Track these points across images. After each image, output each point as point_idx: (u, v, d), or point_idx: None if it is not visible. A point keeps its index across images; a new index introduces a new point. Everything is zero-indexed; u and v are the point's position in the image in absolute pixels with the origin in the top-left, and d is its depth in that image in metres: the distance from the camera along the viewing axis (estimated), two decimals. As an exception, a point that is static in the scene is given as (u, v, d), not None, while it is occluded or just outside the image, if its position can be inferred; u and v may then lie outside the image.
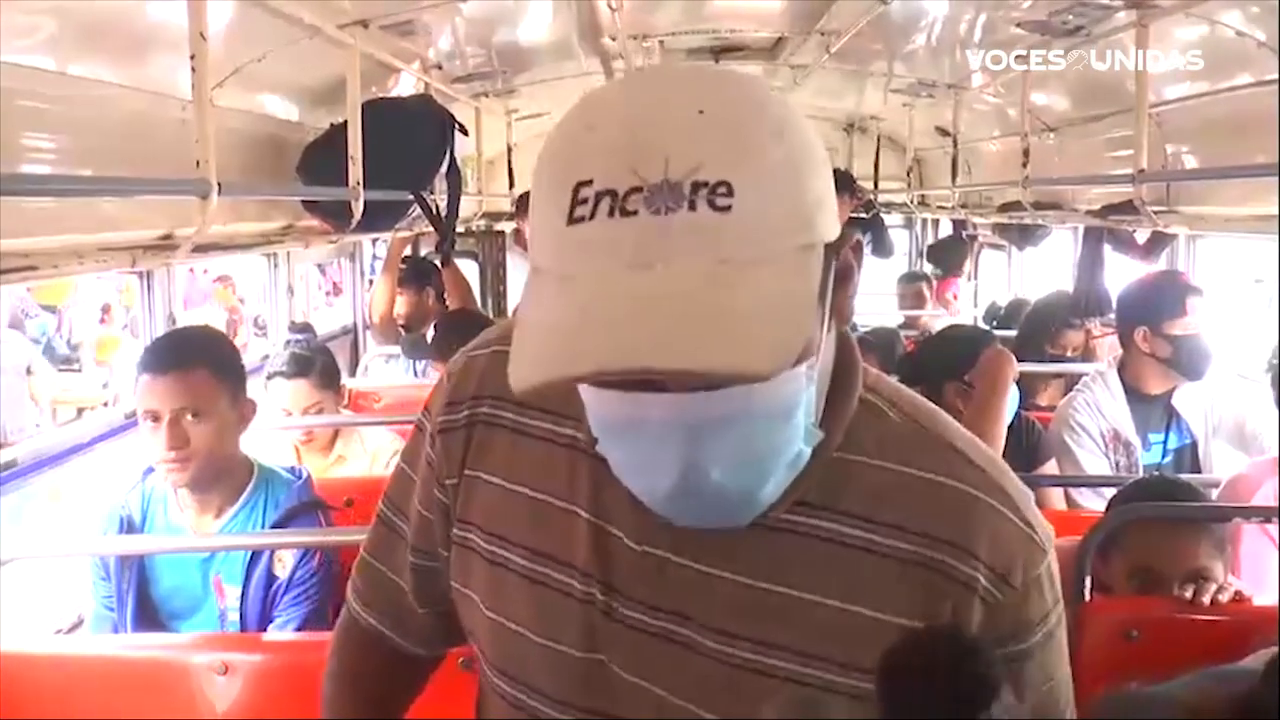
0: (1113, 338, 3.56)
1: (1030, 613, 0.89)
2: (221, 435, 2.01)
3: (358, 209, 3.03)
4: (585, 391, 0.80)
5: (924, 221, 7.49)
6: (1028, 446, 2.83)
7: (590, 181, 0.73)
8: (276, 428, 3.02)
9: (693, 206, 0.71)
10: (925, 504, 0.87)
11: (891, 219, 7.11)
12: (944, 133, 5.50)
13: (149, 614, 2.02)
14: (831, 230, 0.78)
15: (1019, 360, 3.20)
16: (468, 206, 5.03)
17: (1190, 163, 3.11)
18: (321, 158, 3.15)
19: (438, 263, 4.85)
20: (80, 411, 7.44)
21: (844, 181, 6.44)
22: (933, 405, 0.96)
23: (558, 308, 0.74)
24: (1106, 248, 4.07)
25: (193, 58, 2.02)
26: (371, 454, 3.03)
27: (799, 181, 0.75)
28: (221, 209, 2.11)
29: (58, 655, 1.88)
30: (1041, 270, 5.40)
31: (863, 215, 6.60)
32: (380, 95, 3.59)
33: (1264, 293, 5.65)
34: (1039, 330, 3.91)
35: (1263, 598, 1.90)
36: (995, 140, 5.05)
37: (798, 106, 0.83)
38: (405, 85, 3.86)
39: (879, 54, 4.60)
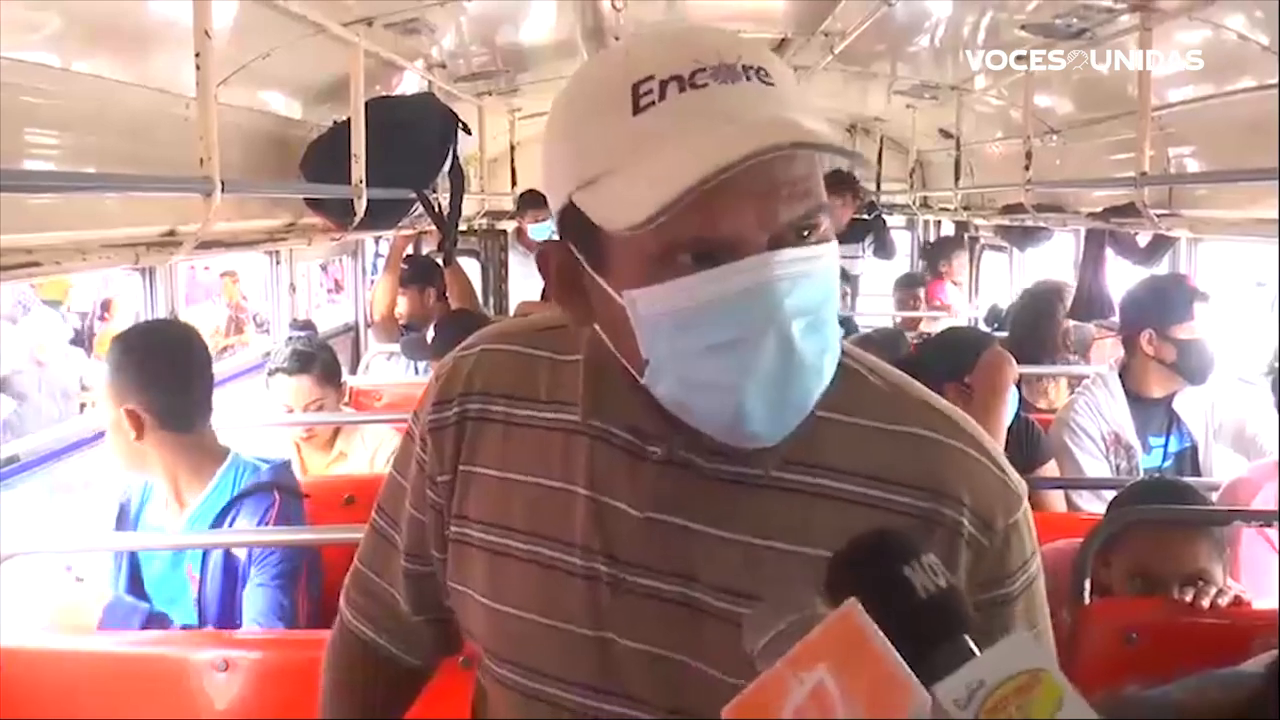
0: (1113, 340, 3.57)
1: (1012, 559, 0.91)
2: (109, 434, 2.02)
3: (360, 207, 3.03)
4: (695, 286, 0.80)
5: (926, 223, 7.49)
6: (1028, 448, 2.83)
7: (650, 77, 0.80)
8: (277, 424, 3.02)
9: (749, 79, 0.81)
10: (908, 456, 0.91)
11: (894, 220, 7.11)
12: (947, 134, 5.51)
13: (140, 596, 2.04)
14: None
15: (1015, 349, 3.20)
16: (470, 205, 5.03)
17: (1192, 166, 3.11)
18: (325, 155, 3.15)
19: (439, 261, 4.85)
20: (83, 406, 7.44)
21: (846, 182, 6.44)
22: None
23: (664, 135, 0.78)
24: (1108, 250, 4.07)
25: (197, 55, 2.03)
26: (372, 451, 3.04)
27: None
28: (225, 206, 2.11)
29: (58, 651, 1.88)
30: (1043, 272, 5.39)
31: (865, 216, 6.61)
32: (384, 93, 3.59)
33: (1265, 296, 5.65)
34: (1034, 315, 3.93)
35: (1262, 601, 1.90)
36: (998, 142, 5.05)
37: None
38: (409, 84, 3.87)
39: (882, 55, 4.60)
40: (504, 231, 6.80)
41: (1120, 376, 2.90)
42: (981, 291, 6.34)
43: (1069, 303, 3.94)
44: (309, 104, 3.25)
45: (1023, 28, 3.23)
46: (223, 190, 2.06)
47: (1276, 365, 2.87)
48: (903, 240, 7.43)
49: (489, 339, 1.03)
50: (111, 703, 1.75)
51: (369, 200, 3.05)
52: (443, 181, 3.63)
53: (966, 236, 6.67)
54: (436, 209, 3.62)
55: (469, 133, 3.77)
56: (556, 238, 0.90)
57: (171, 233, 2.34)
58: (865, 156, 1.09)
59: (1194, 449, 2.91)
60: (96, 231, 2.12)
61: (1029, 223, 4.58)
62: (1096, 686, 1.47)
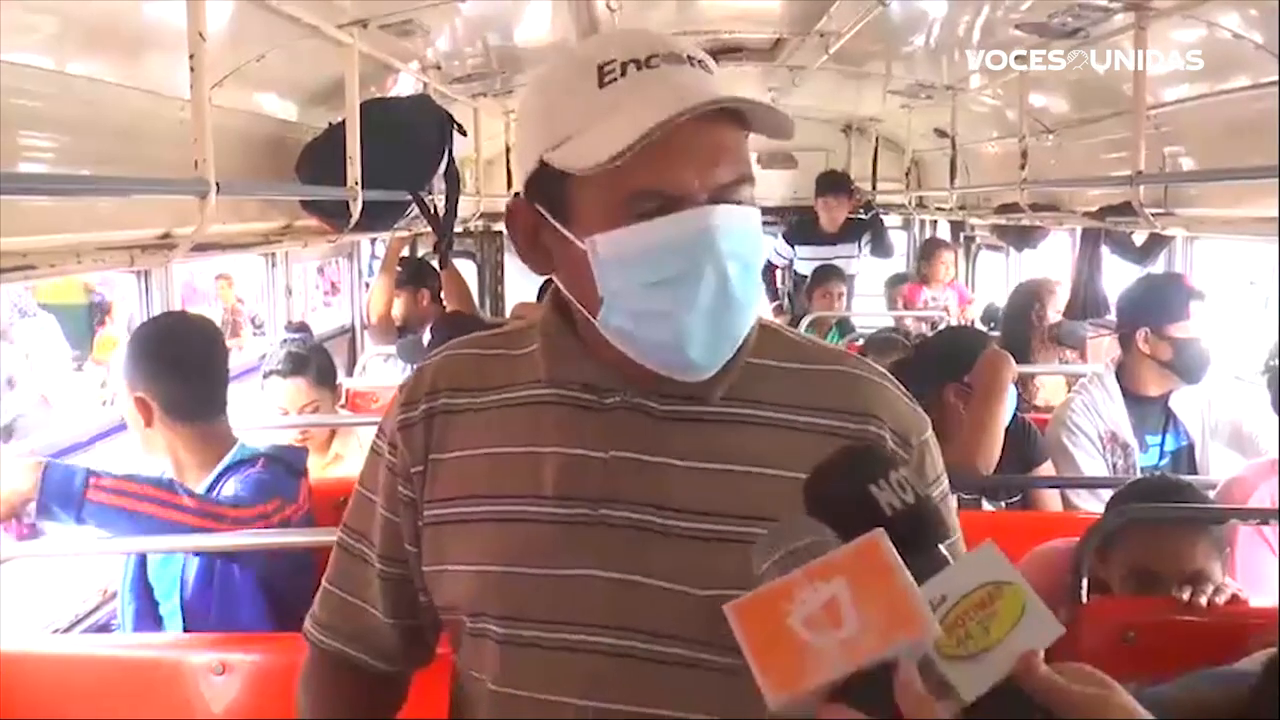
0: (1109, 339, 3.57)
1: (928, 471, 1.06)
2: (128, 421, 2.05)
3: (356, 209, 3.03)
4: (648, 231, 0.95)
5: (922, 223, 7.49)
6: (1025, 448, 2.83)
7: (613, 60, 0.96)
8: (272, 427, 3.01)
9: (692, 66, 0.98)
10: (831, 388, 1.06)
11: (890, 220, 7.10)
12: (942, 134, 5.51)
13: (146, 593, 2.04)
14: None
15: (1007, 342, 3.21)
16: (466, 207, 5.03)
17: (1188, 165, 3.11)
18: (320, 157, 3.15)
19: (435, 263, 4.85)
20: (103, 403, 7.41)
21: (841, 182, 6.45)
22: None
23: (623, 101, 0.94)
24: (1104, 249, 4.08)
25: (191, 57, 2.03)
26: (358, 446, 3.03)
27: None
28: (220, 208, 2.11)
29: (55, 655, 1.88)
30: (1039, 272, 5.40)
31: (861, 216, 6.61)
32: (379, 95, 3.59)
33: (1258, 295, 5.65)
34: (1010, 315, 3.94)
35: (1259, 599, 1.90)
36: (993, 142, 5.05)
37: (796, 108, 1.03)
38: (404, 85, 3.86)
39: (877, 55, 4.61)
40: (500, 233, 6.79)
41: (1117, 375, 2.90)
42: (978, 291, 6.34)
43: (1049, 301, 3.95)
44: (304, 106, 3.25)
45: (1017, 27, 3.23)
46: (218, 192, 2.06)
47: (1274, 364, 2.87)
48: (899, 240, 7.43)
49: (448, 348, 1.15)
50: (108, 706, 1.74)
51: (365, 202, 3.05)
52: (438, 183, 3.63)
53: (963, 236, 6.67)
54: (432, 211, 3.62)
55: (464, 134, 3.77)
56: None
57: (167, 235, 2.34)
58: (783, 114, 1.18)
59: (1190, 447, 2.91)
60: (92, 234, 2.12)
61: (1025, 222, 4.58)
62: (1094, 685, 1.47)
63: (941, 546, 0.78)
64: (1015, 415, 2.76)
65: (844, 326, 5.44)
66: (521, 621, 1.01)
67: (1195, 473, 2.84)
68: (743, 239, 0.96)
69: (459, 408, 1.08)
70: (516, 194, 1.05)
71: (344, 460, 3.04)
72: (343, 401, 3.69)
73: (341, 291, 5.22)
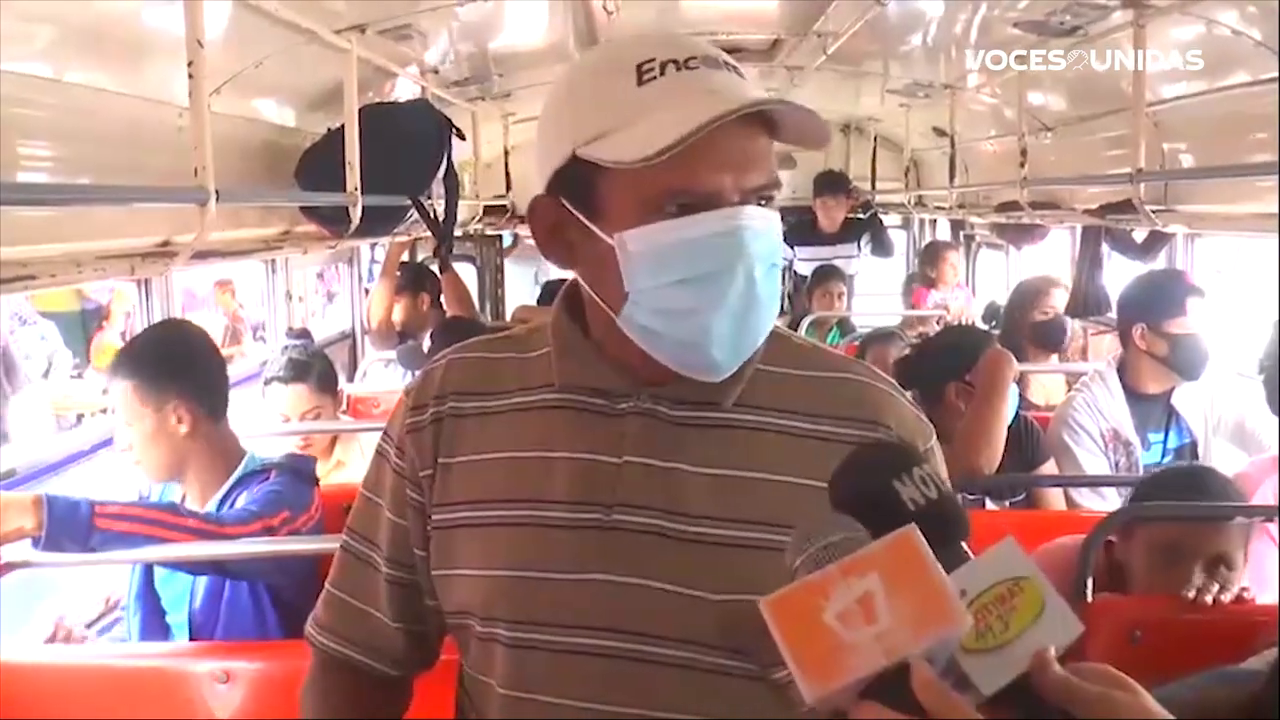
0: (1110, 337, 3.56)
1: None
2: (147, 441, 2.02)
3: (355, 214, 3.03)
4: (680, 228, 0.95)
5: (921, 222, 7.49)
6: (1027, 447, 2.83)
7: (652, 59, 0.97)
8: (274, 434, 3.01)
9: (728, 70, 0.99)
10: (839, 396, 1.06)
11: (890, 219, 7.10)
12: (941, 133, 5.50)
13: (153, 603, 2.05)
14: None
15: (1006, 339, 3.21)
16: (465, 211, 5.03)
17: (1188, 162, 3.11)
18: (319, 163, 3.14)
19: (434, 268, 4.85)
20: (80, 418, 7.40)
21: (840, 182, 6.45)
22: None
23: (665, 99, 0.94)
24: (1105, 247, 4.08)
25: (190, 64, 2.02)
26: (359, 452, 3.02)
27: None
28: (220, 215, 2.11)
29: (59, 665, 1.88)
30: (1039, 270, 5.39)
31: (860, 215, 6.60)
32: (377, 100, 3.59)
33: (1227, 283, 5.59)
34: (1025, 302, 3.95)
35: (1266, 597, 1.90)
36: (992, 140, 5.05)
37: None
38: (402, 90, 3.86)
39: (875, 55, 4.60)
40: (500, 237, 6.79)
41: (1119, 373, 2.90)
42: (979, 290, 6.33)
43: (1045, 300, 3.95)
44: (303, 112, 3.25)
45: (1015, 25, 3.23)
46: (217, 200, 2.06)
47: (1270, 364, 2.86)
48: (899, 240, 7.42)
49: (454, 351, 1.15)
50: (113, 715, 1.74)
51: (364, 207, 3.04)
52: (437, 187, 3.62)
53: (963, 234, 6.67)
54: (432, 215, 3.61)
55: (463, 138, 3.77)
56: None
57: (166, 243, 2.33)
58: (821, 121, 1.20)
59: (1193, 445, 2.90)
60: (91, 243, 2.12)
61: (1025, 220, 4.58)
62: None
63: (964, 544, 0.79)
64: (1017, 414, 2.75)
65: (844, 326, 5.44)
66: (532, 625, 1.01)
67: (1198, 470, 2.84)
68: (768, 241, 0.98)
69: (468, 411, 1.08)
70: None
71: (346, 466, 3.04)
72: (344, 407, 3.69)
73: (341, 297, 5.21)
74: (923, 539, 0.72)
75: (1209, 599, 1.81)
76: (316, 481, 2.16)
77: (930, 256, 6.05)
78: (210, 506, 2.03)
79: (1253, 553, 2.10)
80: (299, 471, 2.12)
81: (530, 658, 1.01)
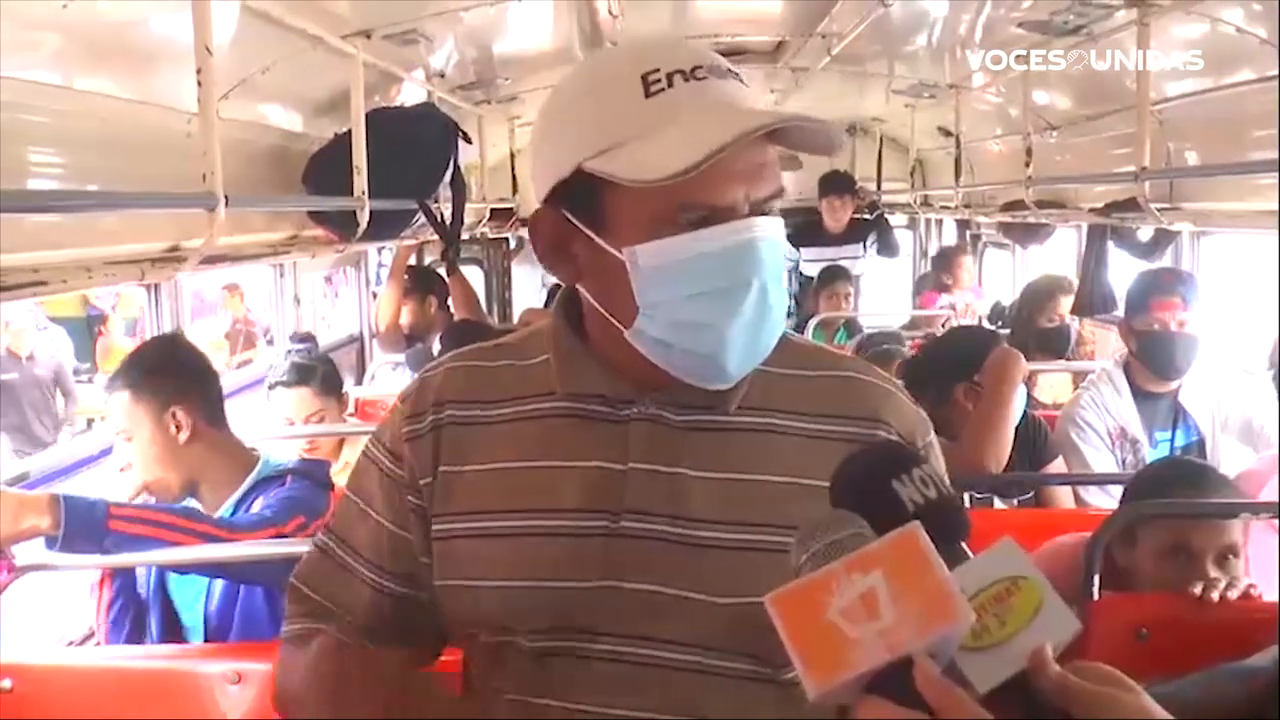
0: (1116, 335, 3.56)
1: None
2: (149, 452, 2.01)
3: (363, 218, 3.04)
4: (694, 242, 0.95)
5: (928, 222, 7.48)
6: (1035, 446, 2.83)
7: (657, 69, 0.95)
8: (283, 437, 3.02)
9: (733, 79, 0.98)
10: (838, 395, 1.06)
11: (896, 219, 7.09)
12: (946, 133, 5.51)
13: (167, 604, 2.06)
14: None
15: (1014, 340, 3.20)
16: (471, 214, 5.04)
17: (1193, 160, 3.11)
18: (326, 167, 3.16)
19: (441, 271, 4.86)
20: (90, 423, 7.44)
21: (846, 183, 6.44)
22: None
23: (677, 113, 0.94)
24: (1110, 245, 4.07)
25: (198, 70, 2.03)
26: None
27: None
28: (228, 220, 2.12)
29: (71, 667, 1.89)
30: (1046, 269, 5.39)
31: (866, 216, 6.60)
32: (384, 104, 3.60)
33: (1234, 281, 5.57)
34: (1033, 305, 3.95)
35: (1272, 594, 1.89)
36: (998, 140, 5.05)
37: (800, 109, 1.03)
38: (409, 94, 3.87)
39: (880, 56, 4.61)
40: (506, 239, 6.80)
41: (1125, 371, 2.90)
42: (985, 290, 6.32)
43: (1046, 305, 3.95)
44: (310, 116, 3.26)
45: (1019, 25, 3.23)
46: (226, 205, 2.07)
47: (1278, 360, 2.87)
48: (905, 240, 7.42)
49: (449, 359, 1.13)
50: (123, 717, 1.75)
51: (371, 211, 3.05)
52: (444, 191, 3.64)
53: (969, 235, 6.66)
54: (439, 219, 3.63)
55: (469, 141, 3.78)
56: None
57: (175, 248, 2.34)
58: (836, 131, 1.18)
59: (1201, 442, 2.90)
60: (101, 249, 2.13)
61: (1030, 219, 4.58)
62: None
63: (963, 544, 0.79)
64: (1025, 413, 2.75)
65: (851, 327, 5.44)
66: (542, 634, 1.00)
67: (1206, 468, 2.84)
68: (777, 250, 0.98)
69: (468, 420, 1.07)
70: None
71: (353, 468, 3.04)
72: (351, 410, 3.70)
73: (349, 301, 5.22)
74: (926, 537, 0.73)
75: (1216, 595, 1.81)
76: (333, 486, 2.17)
77: (945, 263, 6.02)
78: (225, 510, 2.03)
79: (1258, 550, 2.10)
80: (315, 476, 2.12)
81: (540, 665, 1.01)
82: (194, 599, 2.03)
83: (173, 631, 2.04)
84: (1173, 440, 2.89)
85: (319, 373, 3.01)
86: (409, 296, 4.69)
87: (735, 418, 1.03)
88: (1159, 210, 2.96)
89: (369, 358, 4.84)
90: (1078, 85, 3.69)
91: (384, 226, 3.34)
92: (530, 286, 7.22)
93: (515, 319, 6.05)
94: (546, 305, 4.58)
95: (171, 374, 2.04)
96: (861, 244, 6.44)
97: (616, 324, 1.00)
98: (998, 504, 2.80)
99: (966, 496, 2.61)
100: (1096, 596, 1.87)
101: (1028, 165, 3.89)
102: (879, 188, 6.95)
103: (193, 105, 2.09)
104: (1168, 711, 0.74)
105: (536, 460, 1.03)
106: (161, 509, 1.93)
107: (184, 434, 2.01)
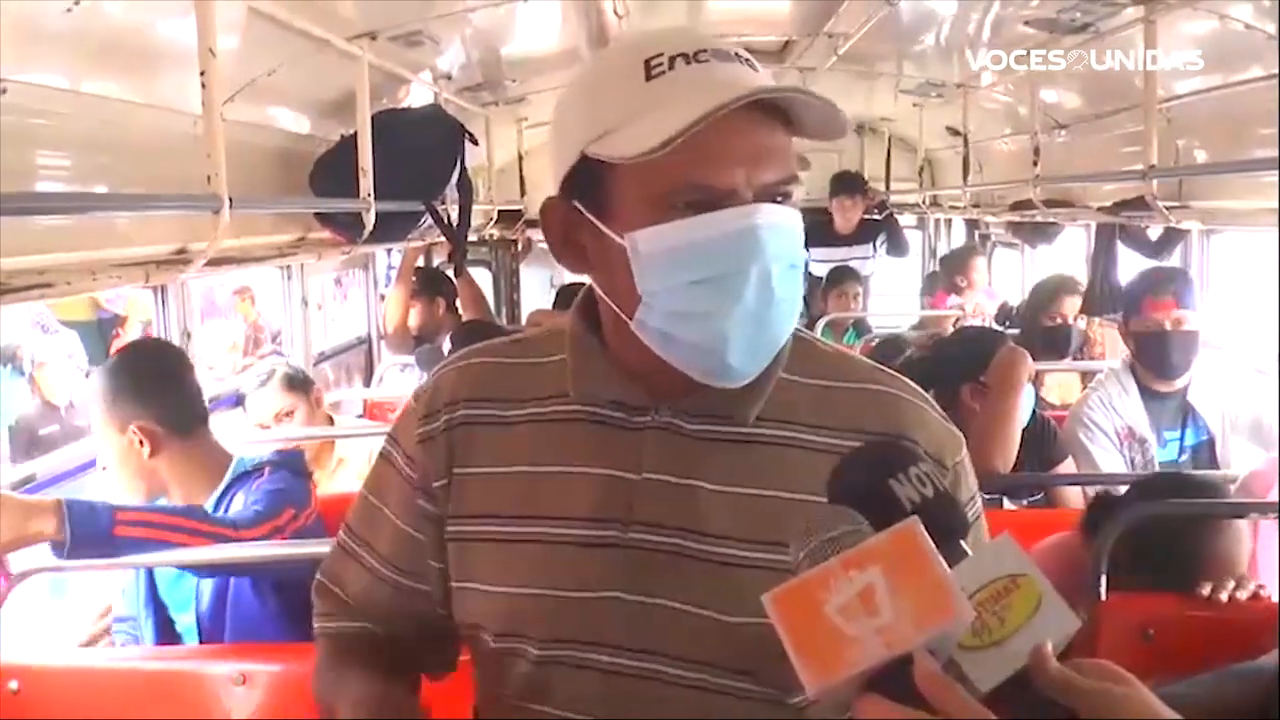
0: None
1: (963, 492, 1.02)
2: (116, 462, 2.04)
3: (369, 220, 3.05)
4: (691, 227, 0.92)
5: (936, 221, 7.47)
6: (1044, 446, 2.82)
7: (660, 54, 0.94)
8: (288, 438, 3.02)
9: (741, 62, 0.96)
10: (864, 408, 1.02)
11: (904, 219, 7.08)
12: (954, 132, 5.49)
13: (160, 608, 2.07)
14: None
15: (1023, 339, 3.19)
16: (479, 216, 5.05)
17: (1201, 158, 3.09)
18: (333, 169, 3.17)
19: (449, 272, 4.87)
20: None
21: (855, 183, 6.43)
22: None
23: (672, 93, 0.92)
24: (1119, 244, 4.06)
25: (203, 73, 2.04)
26: (368, 455, 3.03)
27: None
28: (233, 222, 2.12)
29: (76, 668, 1.90)
30: (1055, 268, 5.37)
31: (875, 216, 6.59)
32: (390, 106, 3.61)
33: (1244, 280, 5.53)
34: (1038, 305, 3.94)
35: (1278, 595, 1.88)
36: (1006, 139, 5.03)
37: None
38: (415, 96, 3.88)
39: (887, 55, 4.60)
40: (514, 241, 6.81)
41: (1132, 370, 2.89)
42: (997, 292, 6.29)
43: (1050, 305, 3.94)
44: (316, 119, 3.27)
45: (1027, 24, 3.22)
46: (231, 207, 2.07)
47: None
48: (914, 239, 7.40)
49: (465, 356, 1.11)
50: (129, 718, 1.75)
51: (378, 213, 3.06)
52: (451, 193, 3.64)
53: (978, 234, 6.64)
54: (446, 220, 3.63)
55: (476, 143, 3.78)
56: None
57: (181, 250, 2.35)
58: (834, 106, 1.13)
59: (1211, 442, 2.89)
60: (107, 251, 2.14)
61: (1039, 218, 4.56)
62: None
63: (963, 542, 0.79)
64: (1035, 413, 2.75)
65: (860, 327, 5.43)
66: (546, 642, 1.00)
67: (1216, 467, 2.82)
68: (787, 239, 0.94)
69: (482, 419, 1.05)
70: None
71: (348, 463, 3.05)
72: (360, 412, 3.71)
73: (355, 302, 5.23)
74: (924, 532, 0.72)
75: (1224, 596, 1.79)
76: (310, 475, 2.18)
77: (960, 265, 5.97)
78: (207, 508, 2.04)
79: (1266, 550, 2.09)
80: (292, 466, 2.12)
81: (545, 673, 1.00)
82: (185, 602, 2.03)
83: (169, 634, 2.05)
84: (1182, 439, 2.88)
85: (278, 372, 3.03)
86: (417, 298, 4.70)
87: (754, 429, 1.00)
88: (1167, 208, 2.95)
89: (377, 359, 4.85)
90: (1085, 84, 3.68)
91: (391, 228, 3.34)
92: (538, 288, 7.22)
93: (523, 320, 6.05)
94: (555, 307, 4.58)
95: (129, 391, 2.02)
96: (871, 244, 6.42)
97: (622, 314, 0.98)
98: (1007, 504, 2.79)
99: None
100: (1104, 597, 1.86)
101: (1036, 164, 3.88)
102: (887, 187, 6.94)
103: (199, 108, 2.10)
104: (1174, 712, 0.73)
105: (549, 465, 1.02)
106: (165, 510, 1.94)
107: (146, 449, 2.00)
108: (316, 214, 3.22)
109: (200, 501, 2.04)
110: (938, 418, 1.05)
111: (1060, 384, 4.05)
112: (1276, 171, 2.29)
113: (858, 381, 1.04)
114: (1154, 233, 3.75)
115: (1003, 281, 6.35)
